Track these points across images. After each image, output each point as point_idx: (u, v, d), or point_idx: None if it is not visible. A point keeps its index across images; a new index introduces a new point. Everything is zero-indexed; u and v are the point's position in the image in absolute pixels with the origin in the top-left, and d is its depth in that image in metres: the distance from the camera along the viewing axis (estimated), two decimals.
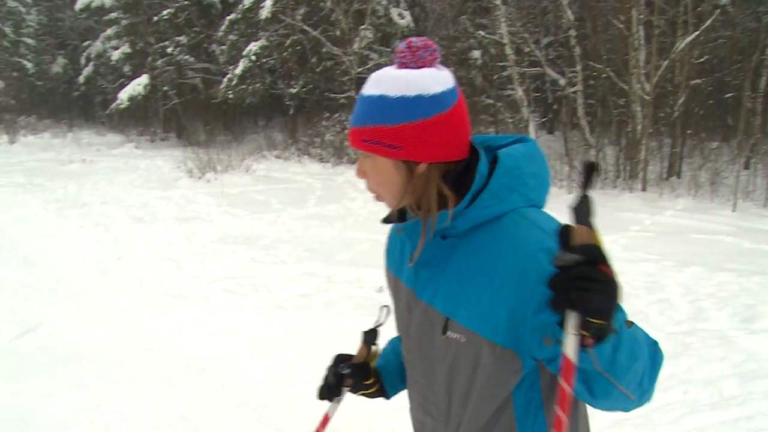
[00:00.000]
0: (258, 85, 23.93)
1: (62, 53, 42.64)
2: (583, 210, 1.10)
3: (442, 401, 1.52)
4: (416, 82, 1.31)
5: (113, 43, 32.09)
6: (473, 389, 1.41)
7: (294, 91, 23.61)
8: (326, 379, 1.81)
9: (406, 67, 1.34)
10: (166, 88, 28.81)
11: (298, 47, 23.30)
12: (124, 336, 6.80)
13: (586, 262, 1.04)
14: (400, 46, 1.36)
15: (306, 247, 10.04)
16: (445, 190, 1.35)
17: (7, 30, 41.07)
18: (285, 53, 23.74)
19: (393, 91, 1.31)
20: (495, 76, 19.09)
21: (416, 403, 1.64)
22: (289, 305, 7.45)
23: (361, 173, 1.45)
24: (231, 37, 24.69)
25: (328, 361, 1.83)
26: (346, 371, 1.76)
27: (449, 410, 1.50)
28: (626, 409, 1.28)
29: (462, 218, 1.35)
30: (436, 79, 1.32)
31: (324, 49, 22.28)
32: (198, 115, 28.91)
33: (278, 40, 22.99)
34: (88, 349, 6.50)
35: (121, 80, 31.52)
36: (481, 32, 18.78)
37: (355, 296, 7.51)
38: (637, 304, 6.91)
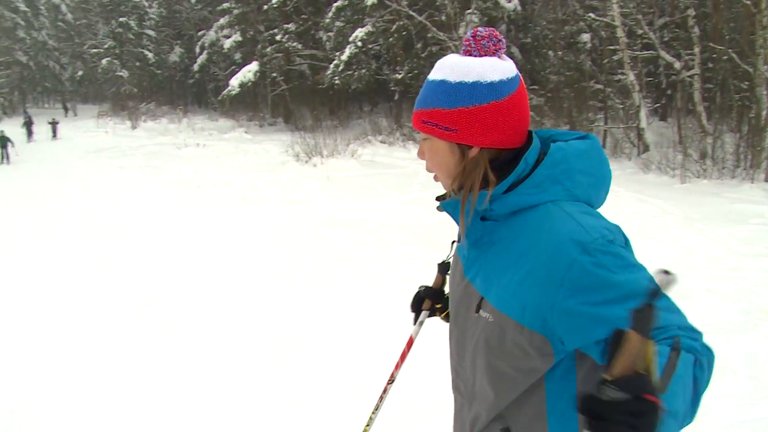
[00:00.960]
0: (364, 70, 24.19)
1: (179, 43, 44.76)
2: (644, 317, 1.03)
3: (469, 379, 1.56)
4: (476, 70, 1.36)
5: (225, 32, 33.32)
6: (498, 370, 1.43)
7: (399, 76, 23.69)
8: (412, 301, 2.13)
9: (469, 55, 1.40)
10: (274, 74, 29.65)
11: (404, 33, 23.35)
12: (233, 312, 7.07)
13: (633, 399, 0.99)
14: (467, 34, 1.41)
15: (410, 231, 10.07)
16: (489, 174, 1.39)
17: (132, 23, 43.50)
18: (390, 39, 23.87)
19: (453, 76, 1.37)
20: (605, 61, 18.41)
21: (452, 380, 1.68)
22: (394, 288, 7.49)
23: (421, 154, 1.51)
24: (338, 23, 25.06)
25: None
26: (424, 295, 2.10)
27: (474, 388, 1.53)
28: None
29: (500, 202, 1.38)
30: (496, 68, 1.37)
31: (429, 35, 22.20)
32: (305, 100, 29.62)
33: (384, 26, 23.13)
34: (199, 323, 6.81)
35: (233, 67, 32.75)
36: (592, 14, 18.10)
37: None
38: (757, 301, 6.49)
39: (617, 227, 1.31)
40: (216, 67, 37.39)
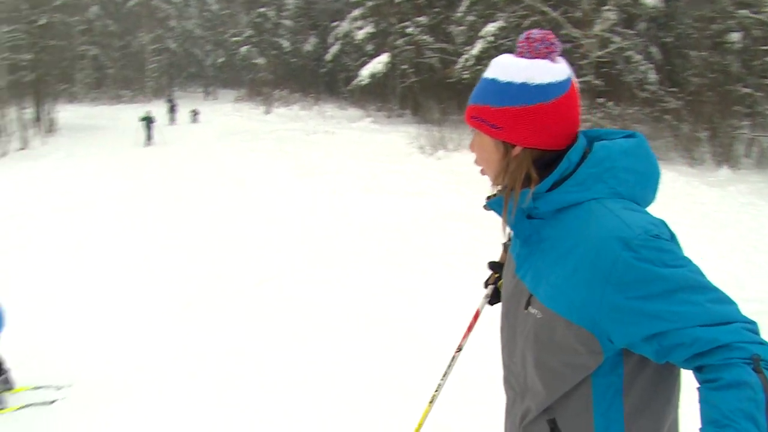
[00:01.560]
0: None
1: (314, 33, 46.07)
2: None
3: (520, 374, 1.58)
4: (525, 71, 1.40)
5: (358, 23, 33.90)
6: (547, 366, 1.45)
7: None
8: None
9: (522, 56, 1.44)
10: (404, 66, 29.89)
11: (536, 28, 22.72)
12: (344, 296, 7.21)
13: None
14: (521, 36, 1.45)
15: None
16: (532, 173, 1.42)
17: (271, 14, 45.28)
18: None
19: (503, 76, 1.42)
20: (756, 62, 17.08)
21: (503, 375, 1.72)
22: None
23: (472, 147, 1.56)
24: (469, 17, 24.85)
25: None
26: (490, 267, 2.20)
27: (525, 383, 1.56)
28: None
29: (543, 200, 1.42)
30: (545, 71, 1.39)
31: (563, 31, 21.51)
32: (433, 93, 29.62)
33: (516, 21, 22.67)
34: (312, 303, 7.01)
35: (364, 58, 33.31)
36: (745, 11, 16.85)
37: None
38: None
39: (662, 222, 1.32)
40: (348, 58, 38.21)
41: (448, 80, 26.35)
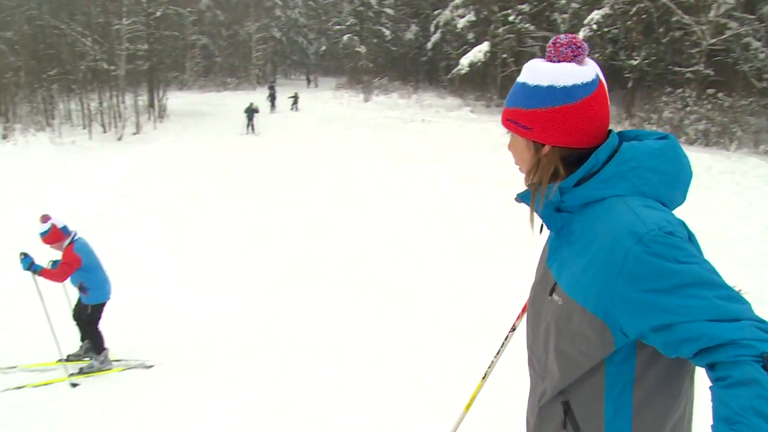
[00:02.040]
0: (597, 55, 23.11)
1: (415, 21, 46.01)
2: None
3: (542, 356, 1.68)
4: (551, 75, 1.47)
5: (460, 11, 33.59)
6: (565, 350, 1.54)
7: (635, 62, 22.31)
8: None
9: (550, 61, 1.51)
10: (504, 55, 29.45)
11: (644, 16, 21.84)
12: (432, 283, 7.25)
13: None
14: (549, 42, 1.52)
15: None
16: (560, 169, 1.52)
17: (373, 2, 45.61)
18: (629, 22, 22.51)
19: (532, 80, 1.50)
20: None
21: (528, 357, 1.81)
22: None
23: (509, 147, 1.66)
24: (573, 5, 24.17)
25: None
26: None
27: (546, 366, 1.66)
28: None
29: (570, 195, 1.51)
30: (571, 74, 1.46)
31: (674, 18, 20.56)
32: None
33: (623, 9, 21.84)
34: (400, 288, 7.09)
35: (464, 47, 33.04)
36: None
37: None
38: None
39: (680, 221, 1.37)
40: (449, 46, 37.99)
41: None
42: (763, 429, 1.07)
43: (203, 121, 27.02)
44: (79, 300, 5.31)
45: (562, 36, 1.51)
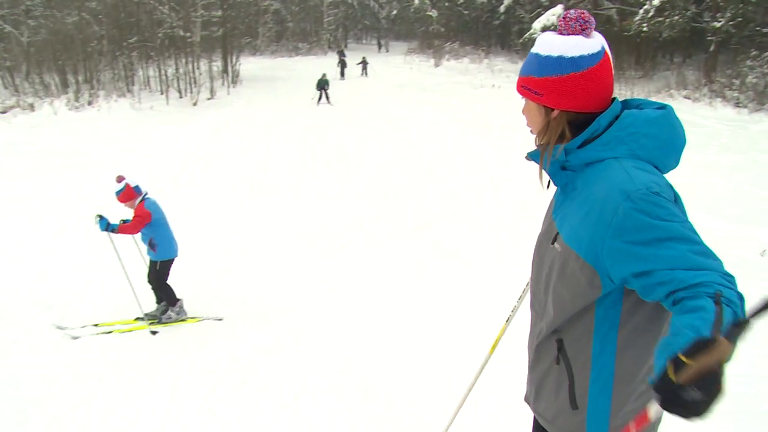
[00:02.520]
0: (677, 17, 22.12)
1: None
2: (740, 331, 1.19)
3: (542, 298, 1.90)
4: (561, 46, 1.66)
5: None
6: (561, 292, 1.76)
7: (719, 24, 21.24)
8: None
9: (560, 34, 1.69)
10: None
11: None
12: (499, 246, 7.33)
13: (710, 400, 1.14)
14: (561, 16, 1.69)
15: (695, 196, 9.30)
16: (566, 132, 1.71)
17: None
18: None
19: (544, 51, 1.69)
20: None
21: (530, 299, 2.03)
22: None
23: (522, 112, 1.82)
24: None
25: None
26: None
27: (545, 307, 1.88)
28: None
29: (574, 155, 1.69)
30: (579, 45, 1.64)
31: None
32: (609, 47, 28.07)
33: None
34: (465, 253, 7.20)
35: (538, 10, 32.21)
36: None
37: (732, 255, 6.68)
38: None
39: (667, 184, 1.56)
40: (522, 10, 37.11)
41: (625, 33, 24.88)
42: (689, 336, 1.20)
43: (275, 86, 27.48)
44: (150, 261, 5.69)
45: (572, 11, 1.68)
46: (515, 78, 24.81)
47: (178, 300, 5.75)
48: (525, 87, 1.75)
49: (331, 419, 4.00)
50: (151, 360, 4.92)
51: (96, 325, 5.62)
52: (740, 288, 1.35)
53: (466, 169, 11.47)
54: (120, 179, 5.47)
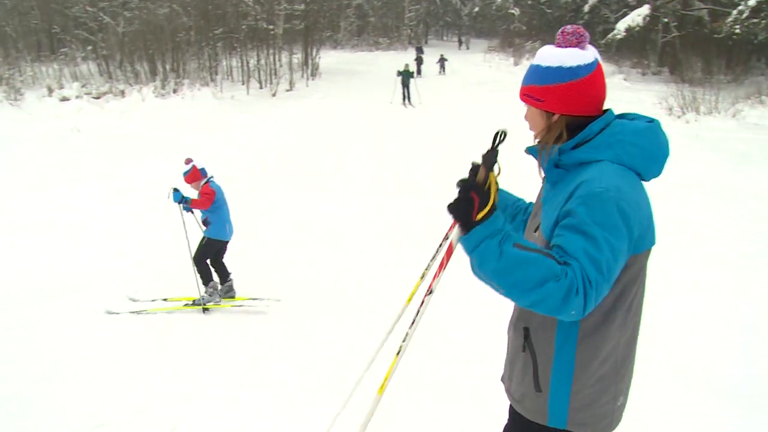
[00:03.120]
0: None
1: None
2: (489, 159, 1.75)
3: None
4: (559, 58, 1.87)
5: None
6: None
7: None
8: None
9: (559, 46, 1.90)
10: (666, 19, 27.64)
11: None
12: None
13: (462, 187, 1.70)
14: (559, 31, 1.93)
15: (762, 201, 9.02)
16: (564, 134, 1.91)
17: None
18: None
19: (544, 62, 1.90)
20: None
21: None
22: (735, 264, 6.90)
23: (525, 117, 2.00)
24: None
25: None
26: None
27: None
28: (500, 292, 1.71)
29: (566, 155, 1.89)
30: (575, 57, 1.86)
31: None
32: (698, 50, 26.99)
33: None
34: None
35: (624, 10, 31.40)
36: None
37: None
38: None
39: (633, 199, 1.74)
40: (607, 9, 36.24)
41: (715, 35, 23.94)
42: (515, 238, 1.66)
43: (354, 80, 27.87)
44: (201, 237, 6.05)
45: (568, 27, 1.92)
46: None
47: (230, 280, 6.09)
48: (527, 95, 1.95)
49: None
50: (203, 337, 5.26)
51: (165, 299, 6.04)
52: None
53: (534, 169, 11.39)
54: (188, 161, 5.87)
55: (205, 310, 5.82)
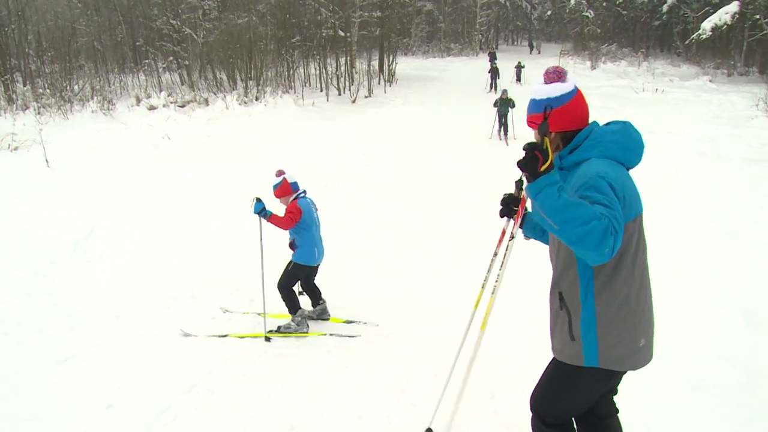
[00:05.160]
0: None
1: None
2: (543, 128, 2.26)
3: (554, 258, 2.77)
4: (546, 91, 2.58)
5: None
6: (560, 248, 2.65)
7: None
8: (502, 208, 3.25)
9: (546, 83, 2.61)
10: (757, 16, 26.40)
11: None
12: (670, 260, 7.02)
13: (530, 149, 2.21)
14: (543, 72, 2.64)
15: None
16: (560, 145, 2.61)
17: None
18: None
19: (537, 96, 2.62)
20: None
21: (549, 257, 2.87)
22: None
23: (535, 137, 2.56)
24: None
25: None
26: (505, 198, 3.23)
27: (555, 268, 2.75)
28: (564, 239, 2.23)
29: (566, 159, 2.56)
30: (560, 89, 2.57)
31: None
32: None
33: None
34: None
35: (707, 8, 30.29)
36: None
37: None
38: None
39: (615, 177, 2.35)
40: (687, 8, 35.02)
41: None
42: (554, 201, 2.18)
43: (430, 86, 27.80)
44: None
45: (550, 67, 2.64)
46: (679, 82, 23.31)
47: (300, 309, 5.54)
48: (531, 122, 2.67)
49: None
50: (263, 369, 4.89)
51: (259, 314, 5.65)
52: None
53: (634, 173, 11.03)
54: (279, 173, 5.44)
55: (267, 339, 5.30)
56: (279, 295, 5.50)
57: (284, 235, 5.52)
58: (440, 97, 23.80)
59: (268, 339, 5.31)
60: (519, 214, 3.11)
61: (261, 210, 5.17)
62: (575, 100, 2.56)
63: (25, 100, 19.09)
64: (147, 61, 27.38)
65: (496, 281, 3.23)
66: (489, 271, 3.42)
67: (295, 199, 5.38)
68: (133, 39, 29.07)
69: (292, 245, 5.44)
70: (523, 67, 29.11)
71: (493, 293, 3.24)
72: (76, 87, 21.03)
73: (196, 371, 4.73)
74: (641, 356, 2.59)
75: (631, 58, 35.55)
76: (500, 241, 3.08)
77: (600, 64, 33.96)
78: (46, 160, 11.95)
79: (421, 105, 21.73)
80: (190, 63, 24.82)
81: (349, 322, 5.68)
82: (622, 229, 2.17)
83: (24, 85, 20.74)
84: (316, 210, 5.59)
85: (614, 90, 23.62)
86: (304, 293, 5.71)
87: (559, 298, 2.63)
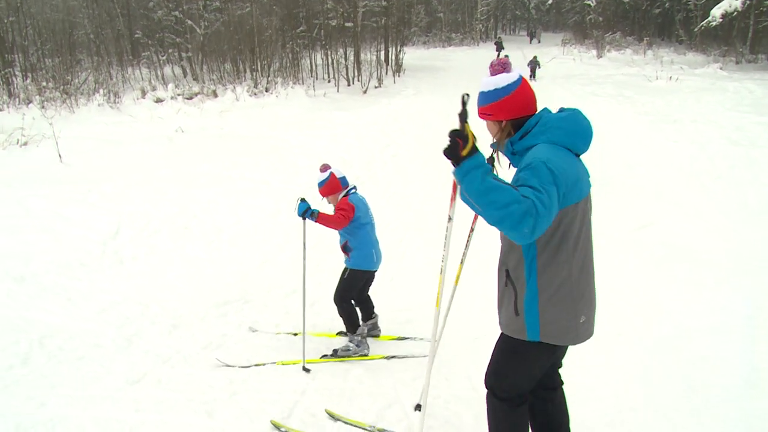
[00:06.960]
0: None
1: None
2: (463, 115, 2.37)
3: (502, 240, 2.83)
4: (493, 82, 2.69)
5: None
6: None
7: None
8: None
9: (492, 75, 2.70)
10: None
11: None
12: (728, 251, 6.71)
13: (451, 135, 2.37)
14: (489, 65, 2.75)
15: None
16: (511, 131, 2.72)
17: None
18: None
19: (485, 88, 2.72)
20: None
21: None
22: None
23: (487, 128, 2.81)
24: None
25: None
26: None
27: (503, 238, 2.80)
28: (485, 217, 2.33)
29: (517, 144, 2.69)
30: (506, 78, 2.68)
31: None
32: None
33: None
34: (700, 252, 6.63)
35: None
36: None
37: None
38: None
39: (556, 163, 2.44)
40: None
41: None
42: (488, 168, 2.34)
43: (437, 75, 27.52)
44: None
45: (494, 60, 2.74)
46: (689, 70, 22.82)
47: (359, 326, 4.95)
48: (482, 113, 2.75)
49: None
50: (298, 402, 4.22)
51: (295, 334, 5.12)
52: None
53: (666, 163, 10.73)
54: (325, 168, 4.81)
55: (306, 370, 4.54)
56: (336, 310, 4.86)
57: (331, 234, 4.92)
58: (451, 86, 23.39)
59: (307, 369, 4.59)
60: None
61: (306, 210, 4.49)
62: (521, 89, 2.67)
63: (27, 93, 18.55)
64: (146, 53, 26.84)
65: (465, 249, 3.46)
66: (467, 246, 3.47)
67: (345, 195, 4.79)
68: (130, 31, 28.48)
69: (344, 248, 4.81)
70: (539, 63, 26.61)
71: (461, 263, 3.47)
72: (77, 80, 20.47)
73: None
74: (581, 332, 2.72)
75: (635, 47, 35.21)
76: (452, 199, 2.80)
77: (605, 53, 33.63)
78: (59, 155, 11.50)
79: (432, 94, 21.34)
80: (192, 55, 24.31)
81: (402, 338, 5.04)
82: (548, 211, 2.25)
83: (24, 79, 20.19)
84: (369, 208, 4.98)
85: (625, 78, 23.29)
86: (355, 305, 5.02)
87: (506, 276, 2.75)
